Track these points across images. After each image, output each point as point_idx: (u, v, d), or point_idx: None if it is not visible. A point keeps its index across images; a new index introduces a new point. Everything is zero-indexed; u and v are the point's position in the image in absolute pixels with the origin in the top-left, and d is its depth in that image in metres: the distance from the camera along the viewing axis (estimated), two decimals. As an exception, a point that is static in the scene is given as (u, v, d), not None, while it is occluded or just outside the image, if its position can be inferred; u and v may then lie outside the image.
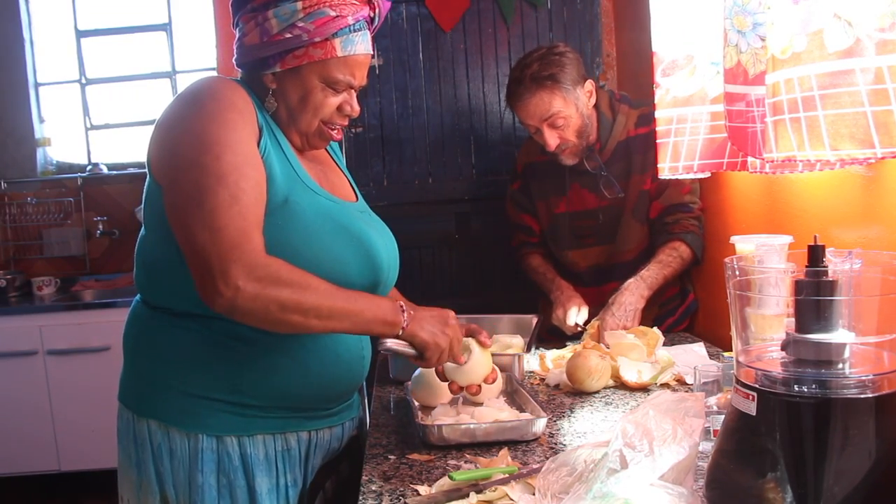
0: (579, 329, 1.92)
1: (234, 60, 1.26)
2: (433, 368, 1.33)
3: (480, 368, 1.30)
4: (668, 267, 1.95)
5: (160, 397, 1.22)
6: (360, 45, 1.22)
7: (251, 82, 1.25)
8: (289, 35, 1.17)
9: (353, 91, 1.26)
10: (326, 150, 1.42)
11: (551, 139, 1.94)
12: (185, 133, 1.13)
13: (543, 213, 2.18)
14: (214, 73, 3.53)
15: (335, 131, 1.28)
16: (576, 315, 1.95)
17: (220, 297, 1.06)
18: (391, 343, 1.21)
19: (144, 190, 1.24)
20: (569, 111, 1.92)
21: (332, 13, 1.17)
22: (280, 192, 1.17)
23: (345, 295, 1.13)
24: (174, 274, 1.16)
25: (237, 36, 1.24)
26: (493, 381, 1.34)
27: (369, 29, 1.25)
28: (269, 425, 1.24)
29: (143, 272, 1.26)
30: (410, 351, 1.23)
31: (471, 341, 1.31)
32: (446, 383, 1.43)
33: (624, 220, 2.05)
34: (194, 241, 1.08)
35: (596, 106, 2.01)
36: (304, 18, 1.16)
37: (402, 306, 1.19)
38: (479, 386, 1.32)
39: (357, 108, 1.27)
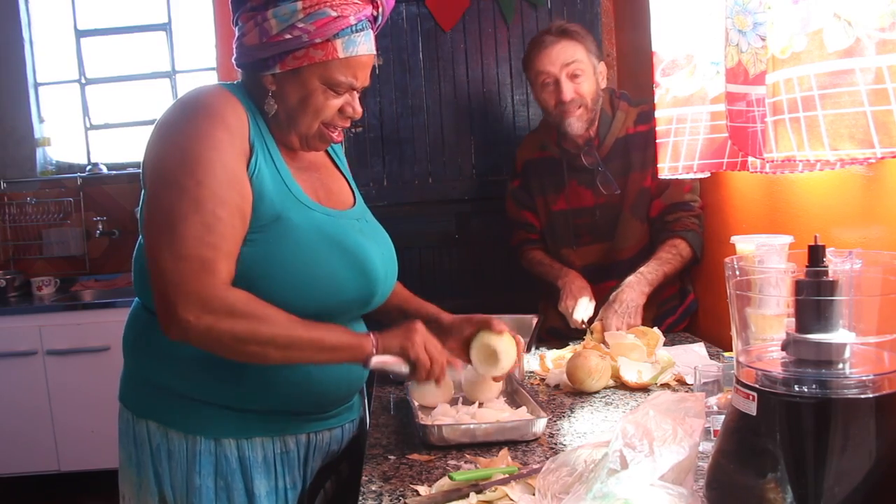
0: (583, 326, 1.92)
1: (233, 60, 1.24)
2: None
3: (512, 356, 1.34)
4: (668, 264, 1.95)
5: (159, 399, 1.22)
6: (363, 46, 1.19)
7: (250, 84, 1.23)
8: (288, 36, 1.14)
9: (354, 92, 1.23)
10: (326, 151, 1.40)
11: (567, 89, 1.94)
12: (173, 149, 1.13)
13: (542, 209, 2.17)
14: (215, 73, 3.53)
15: (335, 133, 1.25)
16: (584, 310, 1.94)
17: (174, 328, 1.08)
18: (375, 360, 1.19)
19: (141, 197, 1.23)
20: (588, 67, 1.96)
21: (334, 13, 1.14)
22: (272, 209, 1.16)
23: (305, 325, 1.13)
24: None
25: (236, 35, 1.22)
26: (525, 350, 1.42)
27: (372, 28, 1.22)
28: (268, 428, 1.24)
29: (140, 278, 1.25)
30: (401, 366, 1.22)
31: (491, 339, 1.33)
32: (446, 383, 1.43)
33: (623, 217, 2.05)
34: (159, 264, 1.09)
35: None
36: (304, 19, 1.13)
37: (367, 332, 1.21)
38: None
39: (359, 109, 1.25)
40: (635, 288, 1.89)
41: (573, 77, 1.94)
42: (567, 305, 1.96)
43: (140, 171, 1.20)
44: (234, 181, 1.13)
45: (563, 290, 2.00)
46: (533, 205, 2.20)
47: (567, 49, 1.94)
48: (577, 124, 1.98)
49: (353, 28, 1.17)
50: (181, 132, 1.14)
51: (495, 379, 1.38)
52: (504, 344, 1.33)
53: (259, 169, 1.17)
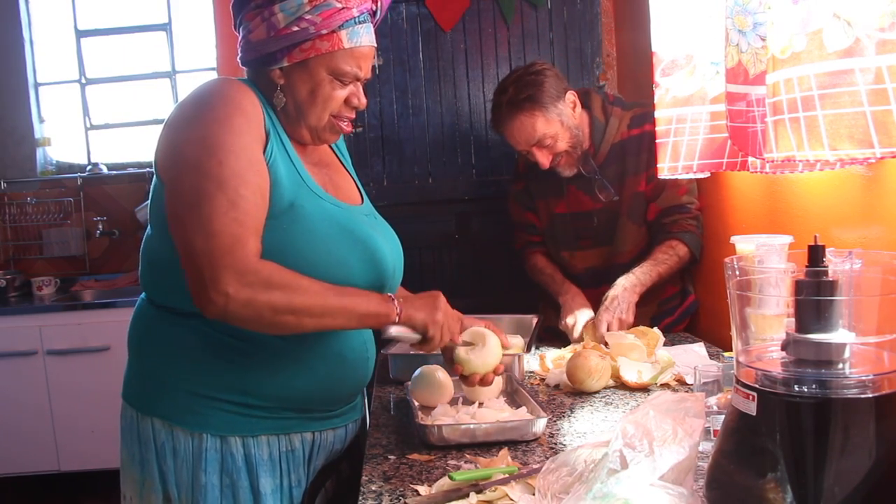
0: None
1: (238, 59, 1.26)
2: (435, 366, 1.34)
3: (492, 358, 1.30)
4: (663, 264, 1.95)
5: (165, 396, 1.22)
6: (365, 37, 1.23)
7: (258, 80, 1.25)
8: (296, 28, 1.18)
9: (359, 83, 1.27)
10: (333, 150, 1.43)
11: (543, 159, 1.94)
12: (191, 135, 1.14)
13: (544, 212, 2.17)
14: (215, 73, 3.53)
15: (345, 124, 1.29)
16: (582, 325, 1.94)
17: (212, 305, 1.07)
18: (394, 329, 1.20)
19: (151, 189, 1.24)
20: (553, 130, 1.91)
21: (338, 5, 1.19)
22: (286, 197, 1.18)
23: (335, 292, 1.14)
24: (180, 273, 1.16)
25: (241, 35, 1.24)
26: (502, 371, 1.34)
27: (371, 22, 1.26)
28: (274, 426, 1.24)
29: (149, 271, 1.27)
30: (415, 336, 1.23)
31: (488, 332, 1.32)
32: (446, 383, 1.43)
33: (620, 222, 2.05)
34: (189, 244, 1.09)
35: (589, 110, 2.01)
36: (310, 11, 1.17)
37: (390, 296, 1.20)
38: (492, 376, 1.30)
39: (364, 100, 1.29)
40: (627, 286, 1.89)
41: (542, 147, 1.93)
42: (567, 324, 1.96)
43: (145, 169, 1.21)
44: (253, 163, 1.15)
45: (563, 308, 2.01)
46: (535, 207, 2.20)
47: (525, 126, 1.89)
48: (567, 171, 2.00)
49: (356, 20, 1.21)
50: (199, 119, 1.15)
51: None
52: (494, 339, 1.31)
53: (274, 156, 1.19)
